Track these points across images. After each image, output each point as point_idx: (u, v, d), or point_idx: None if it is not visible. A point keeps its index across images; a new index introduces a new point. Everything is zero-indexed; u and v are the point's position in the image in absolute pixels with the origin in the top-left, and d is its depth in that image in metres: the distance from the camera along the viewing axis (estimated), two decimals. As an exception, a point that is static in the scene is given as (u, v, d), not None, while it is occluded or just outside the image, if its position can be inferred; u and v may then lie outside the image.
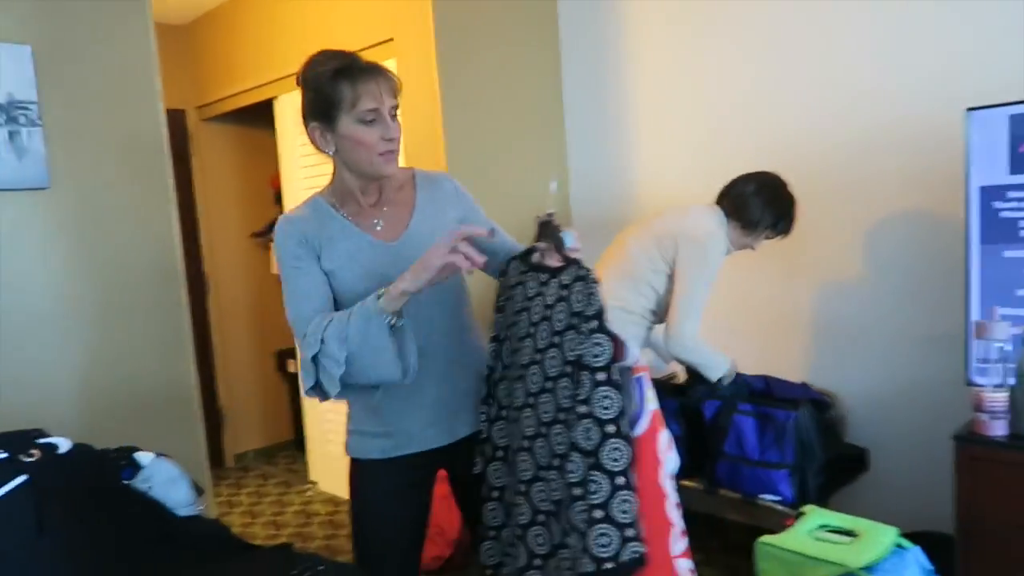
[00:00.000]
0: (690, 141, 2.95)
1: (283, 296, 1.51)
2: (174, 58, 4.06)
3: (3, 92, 2.18)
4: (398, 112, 1.50)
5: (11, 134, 2.19)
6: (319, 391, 1.44)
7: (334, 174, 1.55)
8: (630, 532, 1.29)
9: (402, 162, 3.09)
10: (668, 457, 1.41)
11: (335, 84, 1.42)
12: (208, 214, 4.40)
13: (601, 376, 1.31)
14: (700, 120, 2.91)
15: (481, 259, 1.34)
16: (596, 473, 1.29)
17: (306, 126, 1.50)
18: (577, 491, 1.30)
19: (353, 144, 1.45)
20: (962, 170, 2.01)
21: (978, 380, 1.87)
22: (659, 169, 3.06)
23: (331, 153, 1.49)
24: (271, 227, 4.89)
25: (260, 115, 4.06)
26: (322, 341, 1.39)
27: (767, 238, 2.40)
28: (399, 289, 1.36)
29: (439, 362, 1.55)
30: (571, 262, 1.41)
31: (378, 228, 1.55)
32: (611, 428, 1.29)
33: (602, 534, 1.28)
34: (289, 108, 3.71)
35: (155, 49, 2.49)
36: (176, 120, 4.14)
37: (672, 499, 1.39)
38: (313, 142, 1.50)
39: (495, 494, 1.49)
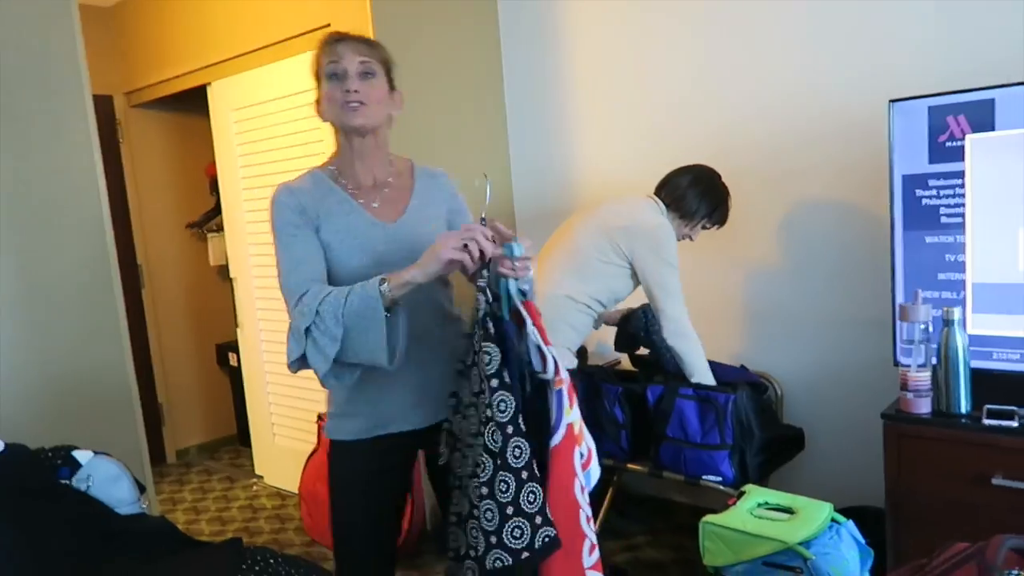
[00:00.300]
0: (629, 135, 3.00)
1: (278, 266, 1.52)
2: (100, 42, 3.91)
3: (-82, 78, 2.07)
4: (375, 76, 1.54)
5: (-72, 123, 2.09)
6: (301, 364, 1.45)
7: (336, 147, 1.62)
8: (539, 519, 1.33)
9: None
10: (586, 472, 1.45)
11: (317, 55, 1.55)
12: (140, 204, 4.26)
13: (495, 382, 1.35)
14: (638, 114, 2.96)
15: (489, 254, 1.37)
16: (504, 473, 1.33)
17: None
18: (485, 491, 1.33)
19: (326, 101, 1.54)
20: (886, 160, 2.09)
21: (904, 361, 1.95)
22: (600, 162, 3.11)
23: (327, 119, 1.57)
24: (208, 217, 4.79)
25: (193, 101, 3.94)
26: (317, 313, 1.40)
27: (704, 228, 2.48)
28: (404, 278, 1.38)
29: (424, 345, 1.56)
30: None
31: (375, 206, 1.58)
32: (510, 429, 1.34)
33: (515, 527, 1.32)
34: (224, 95, 3.62)
35: (79, 32, 2.40)
36: (104, 106, 3.99)
37: (585, 512, 1.42)
38: (318, 113, 1.59)
39: (457, 483, 1.51)
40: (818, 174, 2.56)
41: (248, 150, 3.55)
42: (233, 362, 4.28)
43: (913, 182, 2.03)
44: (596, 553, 1.44)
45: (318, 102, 1.58)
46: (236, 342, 3.96)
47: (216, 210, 4.22)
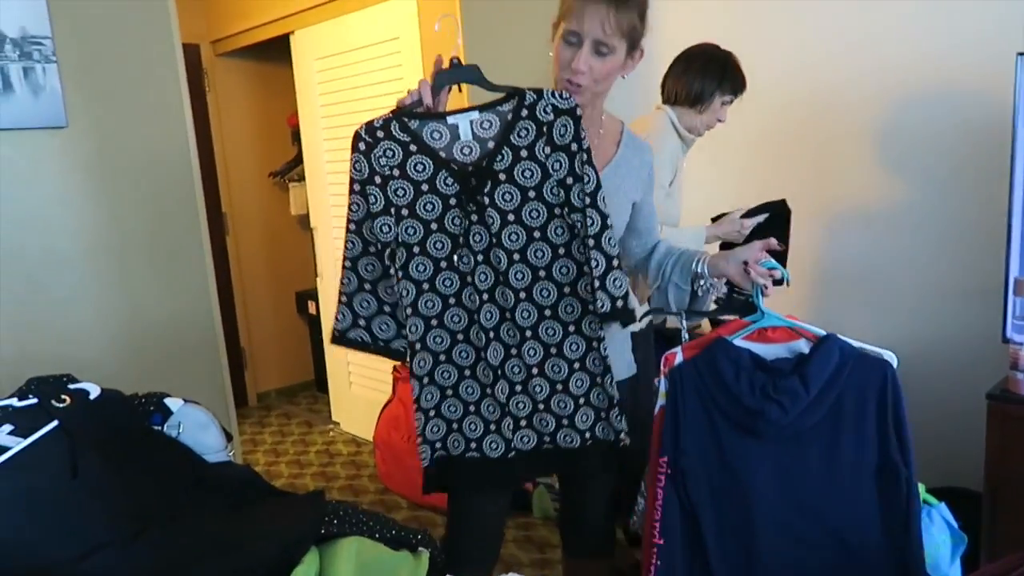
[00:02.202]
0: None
1: None
2: (188, -10, 3.95)
3: (16, 26, 2.12)
4: (611, 53, 1.45)
5: (25, 70, 2.14)
6: None
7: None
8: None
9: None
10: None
11: None
12: (225, 153, 4.35)
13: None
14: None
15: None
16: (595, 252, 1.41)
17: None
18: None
19: (552, 56, 1.49)
20: (1009, 118, 1.92)
21: (1016, 338, 1.82)
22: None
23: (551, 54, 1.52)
24: (290, 166, 4.86)
25: (277, 51, 3.96)
26: None
27: (725, 104, 2.28)
28: None
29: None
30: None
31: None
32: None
33: (614, 279, 1.42)
34: (307, 43, 3.62)
35: (171, -21, 2.41)
36: (191, 55, 4.05)
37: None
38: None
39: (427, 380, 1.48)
40: (932, 126, 2.36)
41: (330, 100, 3.56)
42: (312, 310, 4.38)
43: (1039, 145, 1.86)
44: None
45: (552, 38, 1.50)
46: (316, 291, 4.03)
47: (298, 160, 4.27)
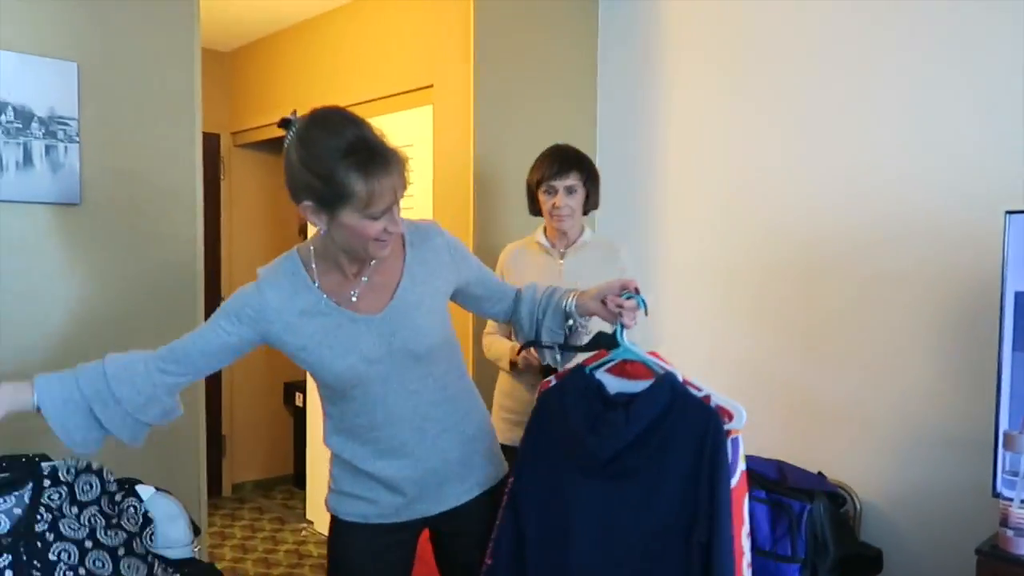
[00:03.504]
0: (711, 214, 2.93)
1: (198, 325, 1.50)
2: (214, 83, 4.12)
3: (45, 106, 2.20)
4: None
5: (48, 148, 2.20)
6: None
7: (321, 237, 1.45)
8: None
9: (427, 210, 3.10)
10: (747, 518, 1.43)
11: (345, 174, 1.29)
12: (232, 237, 4.42)
13: None
14: (724, 194, 2.89)
15: None
16: None
17: (294, 198, 1.37)
18: None
19: (352, 233, 1.35)
20: (995, 272, 1.97)
21: (1006, 493, 1.80)
22: (682, 231, 3.05)
23: (321, 231, 1.41)
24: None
25: (294, 147, 4.09)
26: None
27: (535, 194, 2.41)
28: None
29: (429, 433, 1.51)
30: None
31: (354, 300, 1.46)
32: None
33: None
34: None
35: (200, 74, 2.52)
36: (210, 143, 4.19)
37: (747, 558, 1.40)
38: (304, 214, 1.39)
39: None
40: (916, 275, 2.41)
41: (339, 198, 3.65)
42: (299, 402, 4.33)
43: (1027, 300, 1.90)
44: None
45: (316, 213, 1.38)
46: (304, 382, 4.00)
47: (301, 252, 4.32)
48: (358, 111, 3.68)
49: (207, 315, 2.58)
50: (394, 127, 3.29)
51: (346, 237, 1.37)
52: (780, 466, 2.44)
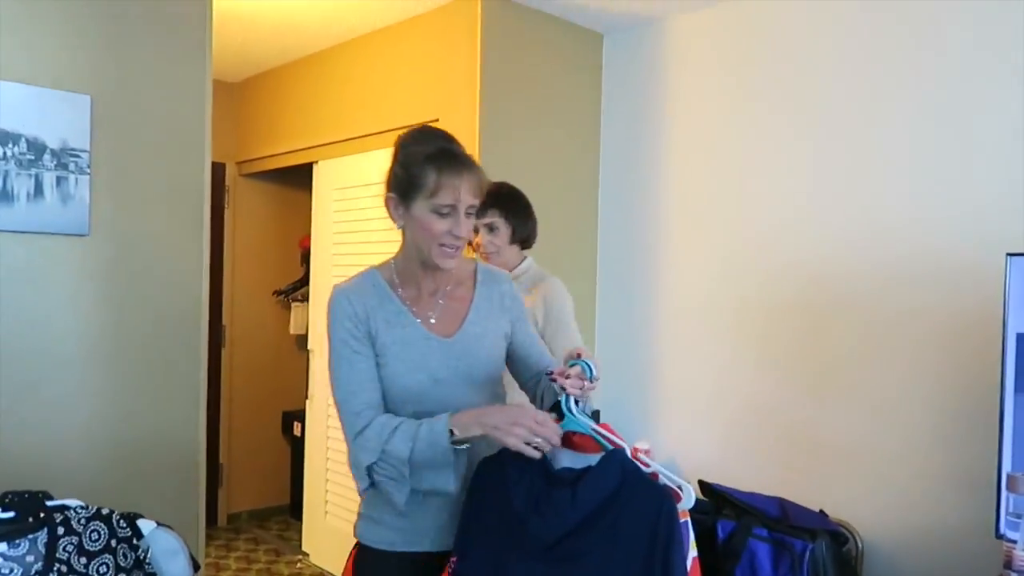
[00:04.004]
0: (721, 255, 2.95)
1: (331, 370, 1.50)
2: (221, 113, 4.15)
3: (57, 138, 2.22)
4: (474, 211, 1.50)
5: (59, 179, 2.23)
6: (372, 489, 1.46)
7: (402, 248, 1.57)
8: None
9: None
10: None
11: (423, 167, 1.45)
12: (234, 266, 4.43)
13: None
14: (732, 236, 2.92)
15: (548, 447, 1.35)
16: None
17: (385, 191, 1.54)
18: None
19: (421, 228, 1.47)
20: (998, 313, 1.98)
21: (1009, 535, 1.79)
22: (688, 269, 3.07)
23: (400, 226, 1.53)
24: (295, 287, 4.90)
25: (298, 176, 4.12)
26: (383, 452, 1.39)
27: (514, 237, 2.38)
28: (471, 430, 1.37)
29: (462, 462, 1.51)
30: None
31: (432, 321, 1.55)
32: None
33: None
34: (328, 173, 3.77)
35: (210, 106, 2.55)
36: (216, 172, 4.22)
37: None
38: (387, 209, 1.53)
39: None
40: (920, 316, 2.43)
41: (343, 228, 3.67)
42: (297, 432, 4.31)
43: (1028, 343, 1.91)
44: None
45: (396, 206, 1.53)
46: (303, 412, 3.99)
47: (303, 281, 4.34)
48: (364, 143, 3.74)
49: (210, 343, 2.61)
50: (399, 160, 3.34)
51: (417, 232, 1.48)
52: (782, 503, 2.44)
